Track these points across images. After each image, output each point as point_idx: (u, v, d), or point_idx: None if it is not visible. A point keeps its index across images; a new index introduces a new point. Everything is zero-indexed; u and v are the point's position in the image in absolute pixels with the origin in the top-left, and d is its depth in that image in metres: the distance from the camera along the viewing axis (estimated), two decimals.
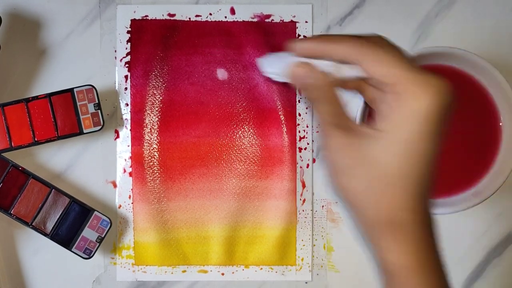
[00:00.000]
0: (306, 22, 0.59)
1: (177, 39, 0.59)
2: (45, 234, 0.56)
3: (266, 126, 0.59)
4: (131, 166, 0.59)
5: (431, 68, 0.56)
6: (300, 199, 0.59)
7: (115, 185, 0.59)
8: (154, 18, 0.59)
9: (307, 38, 0.41)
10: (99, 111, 0.56)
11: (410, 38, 0.59)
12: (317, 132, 0.59)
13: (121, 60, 0.59)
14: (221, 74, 0.59)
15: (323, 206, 0.59)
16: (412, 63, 0.36)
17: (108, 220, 0.57)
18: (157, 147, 0.59)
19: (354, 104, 0.60)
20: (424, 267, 0.37)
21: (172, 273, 0.59)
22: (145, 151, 0.59)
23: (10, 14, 0.59)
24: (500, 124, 0.56)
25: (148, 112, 0.59)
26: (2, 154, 0.56)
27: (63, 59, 0.59)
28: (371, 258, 0.39)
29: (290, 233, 0.59)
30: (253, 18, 0.59)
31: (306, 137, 0.59)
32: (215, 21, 0.59)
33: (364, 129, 0.37)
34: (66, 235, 0.56)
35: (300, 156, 0.59)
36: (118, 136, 0.59)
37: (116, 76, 0.59)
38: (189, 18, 0.59)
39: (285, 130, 0.59)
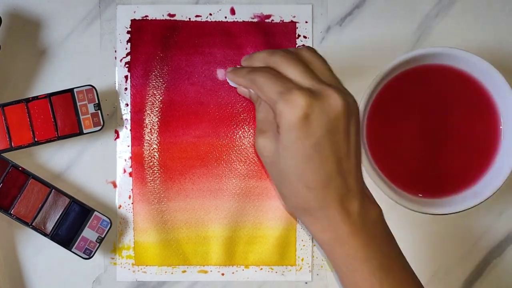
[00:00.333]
0: (306, 22, 0.59)
1: (177, 39, 0.59)
2: (45, 234, 0.56)
3: None
4: (131, 166, 0.59)
5: (431, 68, 0.56)
6: None
7: (115, 185, 0.59)
8: (154, 18, 0.59)
9: (237, 72, 0.49)
10: (99, 111, 0.56)
11: (410, 38, 0.59)
12: None
13: (121, 60, 0.59)
14: (221, 74, 0.59)
15: None
16: (289, 84, 0.44)
17: (108, 220, 0.57)
18: (157, 147, 0.59)
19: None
20: (340, 240, 0.44)
21: (172, 273, 0.59)
22: (145, 151, 0.59)
23: (10, 14, 0.59)
24: (500, 124, 0.56)
25: (148, 112, 0.59)
26: (2, 154, 0.56)
27: (63, 59, 0.59)
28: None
29: (290, 233, 0.59)
30: (253, 18, 0.59)
31: None
32: (215, 21, 0.59)
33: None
34: (66, 235, 0.56)
35: None
36: (118, 136, 0.59)
37: (116, 76, 0.59)
38: (189, 18, 0.59)
39: None
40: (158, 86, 0.59)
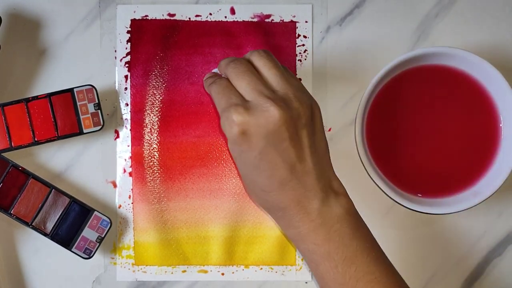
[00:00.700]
0: (306, 22, 0.59)
1: (177, 39, 0.59)
2: (45, 234, 0.56)
3: None
4: (131, 166, 0.59)
5: (431, 68, 0.56)
6: None
7: (115, 185, 0.59)
8: (154, 18, 0.59)
9: (206, 80, 0.52)
10: (99, 111, 0.56)
11: (410, 38, 0.59)
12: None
13: (121, 60, 0.59)
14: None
15: None
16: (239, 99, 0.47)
17: (108, 220, 0.57)
18: (157, 147, 0.59)
19: (355, 103, 0.60)
20: (301, 236, 0.47)
21: (172, 273, 0.59)
22: (145, 151, 0.59)
23: (10, 14, 0.59)
24: (500, 124, 0.56)
25: (148, 112, 0.59)
26: (2, 154, 0.56)
27: (63, 59, 0.59)
28: None
29: None
30: (253, 18, 0.59)
31: None
32: (215, 21, 0.59)
33: None
34: (66, 235, 0.56)
35: None
36: (118, 136, 0.59)
37: (116, 76, 0.59)
38: (189, 18, 0.59)
39: None
40: (158, 86, 0.59)
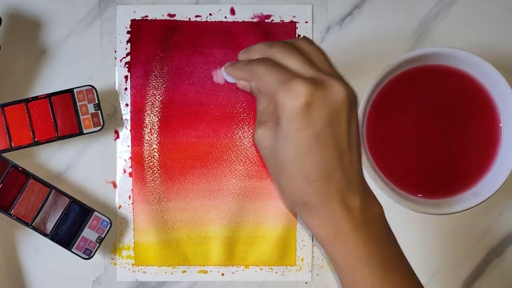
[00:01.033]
0: (306, 22, 0.59)
1: (177, 39, 0.59)
2: (45, 235, 0.56)
3: None
4: (131, 167, 0.59)
5: (431, 68, 0.56)
6: None
7: (115, 186, 0.59)
8: (154, 18, 0.59)
9: (235, 65, 0.48)
10: (99, 111, 0.56)
11: (410, 38, 0.59)
12: None
13: (121, 60, 0.59)
14: (216, 76, 0.59)
15: None
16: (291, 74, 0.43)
17: (108, 221, 0.57)
18: (157, 147, 0.59)
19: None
20: (340, 236, 0.43)
21: (172, 273, 0.59)
22: (145, 152, 0.59)
23: (10, 14, 0.59)
24: (500, 124, 0.56)
25: (148, 112, 0.59)
26: (2, 154, 0.56)
27: (63, 59, 0.59)
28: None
29: (290, 233, 0.59)
30: (253, 18, 0.59)
31: None
32: (215, 21, 0.59)
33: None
34: (66, 235, 0.56)
35: None
36: (118, 137, 0.59)
37: (116, 76, 0.59)
38: (189, 18, 0.59)
39: None
40: (158, 86, 0.59)
